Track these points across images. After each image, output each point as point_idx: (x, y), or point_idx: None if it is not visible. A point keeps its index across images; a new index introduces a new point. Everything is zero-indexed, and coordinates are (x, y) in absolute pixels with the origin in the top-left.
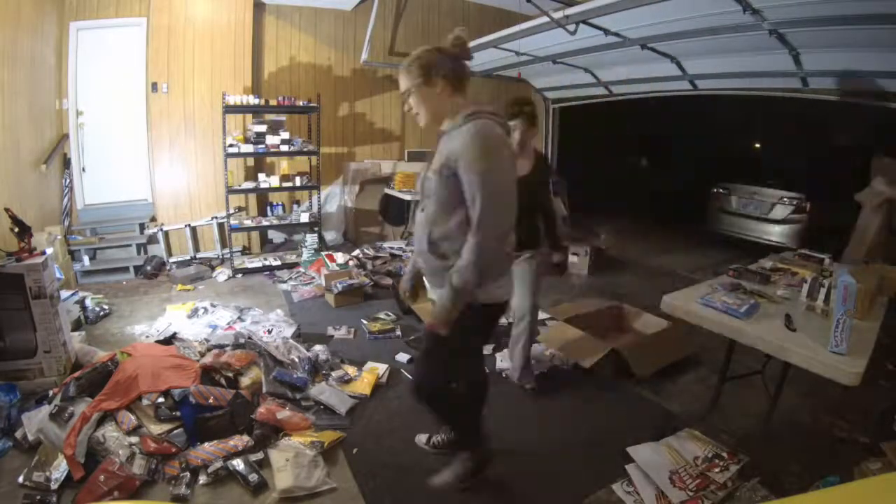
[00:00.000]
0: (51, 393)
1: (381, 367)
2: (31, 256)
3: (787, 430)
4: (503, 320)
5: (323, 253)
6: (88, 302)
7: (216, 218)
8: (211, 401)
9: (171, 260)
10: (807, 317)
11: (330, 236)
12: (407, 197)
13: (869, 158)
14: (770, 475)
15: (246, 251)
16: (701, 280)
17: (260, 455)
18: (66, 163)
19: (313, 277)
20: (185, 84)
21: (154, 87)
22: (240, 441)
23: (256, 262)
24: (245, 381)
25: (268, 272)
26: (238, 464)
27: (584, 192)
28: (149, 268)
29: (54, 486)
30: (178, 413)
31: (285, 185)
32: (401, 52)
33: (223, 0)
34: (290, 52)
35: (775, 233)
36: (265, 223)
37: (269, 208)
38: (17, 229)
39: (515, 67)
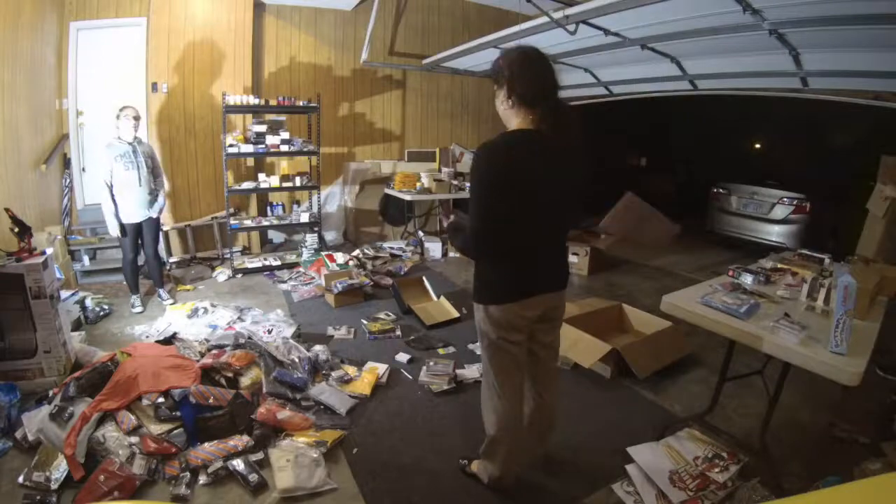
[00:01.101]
0: (51, 393)
1: (381, 367)
2: (31, 256)
3: (787, 430)
4: None
5: (323, 253)
6: (88, 302)
7: (216, 218)
8: (211, 401)
9: (171, 260)
10: (807, 317)
11: (330, 236)
12: (407, 197)
13: (869, 159)
14: (770, 475)
15: (246, 251)
16: (701, 280)
17: (260, 455)
18: (66, 163)
19: (313, 277)
20: (185, 84)
21: (154, 87)
22: (240, 441)
23: (256, 262)
24: (245, 381)
25: (268, 272)
26: (238, 464)
27: (584, 192)
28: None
29: (54, 486)
30: (178, 413)
31: (285, 185)
32: (401, 52)
33: (223, 0)
34: (290, 52)
35: (775, 233)
36: (265, 223)
37: (269, 208)
38: (17, 229)
39: None
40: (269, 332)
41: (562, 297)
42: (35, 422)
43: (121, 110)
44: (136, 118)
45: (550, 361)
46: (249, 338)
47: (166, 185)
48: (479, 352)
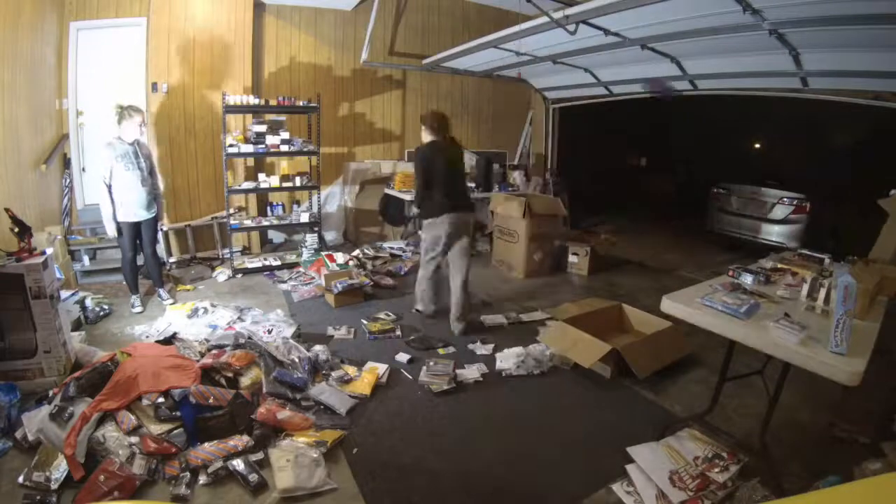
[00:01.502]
0: (51, 393)
1: (381, 367)
2: (31, 256)
3: (787, 430)
4: (503, 321)
5: (323, 253)
6: (88, 302)
7: (216, 218)
8: (211, 401)
9: (171, 260)
10: (807, 317)
11: (330, 236)
12: (407, 197)
13: (868, 159)
14: (770, 475)
15: (246, 251)
16: (701, 280)
17: (260, 455)
18: (66, 163)
19: (313, 277)
20: (185, 84)
21: (154, 87)
22: (240, 441)
23: (256, 262)
24: (245, 381)
25: (268, 272)
26: (238, 464)
27: (585, 192)
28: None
29: (54, 486)
30: (178, 413)
31: (285, 185)
32: (401, 52)
33: (223, 0)
34: (290, 52)
35: (775, 233)
36: (265, 223)
37: (269, 208)
38: (17, 229)
39: (515, 67)
40: (269, 332)
41: None
42: (35, 422)
43: (124, 109)
44: (143, 123)
45: None
46: (249, 338)
47: (161, 186)
48: (479, 351)
